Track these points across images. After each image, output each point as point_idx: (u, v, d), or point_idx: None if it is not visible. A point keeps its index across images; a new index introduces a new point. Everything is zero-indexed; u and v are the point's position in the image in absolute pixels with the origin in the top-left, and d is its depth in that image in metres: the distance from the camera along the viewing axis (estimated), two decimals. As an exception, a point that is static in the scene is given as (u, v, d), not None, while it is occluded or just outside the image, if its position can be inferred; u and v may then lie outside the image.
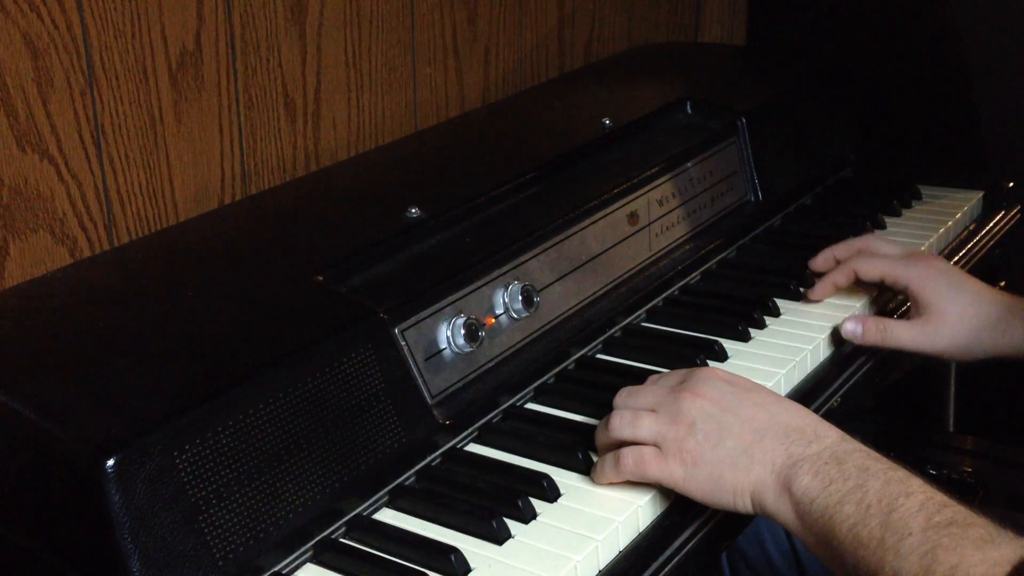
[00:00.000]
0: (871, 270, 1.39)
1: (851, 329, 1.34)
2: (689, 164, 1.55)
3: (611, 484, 1.06)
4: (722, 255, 1.55)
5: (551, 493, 1.05)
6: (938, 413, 2.13)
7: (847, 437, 0.99)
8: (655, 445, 1.03)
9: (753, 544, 1.49)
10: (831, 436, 0.99)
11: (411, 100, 1.74)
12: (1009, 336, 1.32)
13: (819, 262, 1.45)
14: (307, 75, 1.57)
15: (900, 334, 1.33)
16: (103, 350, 1.03)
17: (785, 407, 1.03)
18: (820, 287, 1.42)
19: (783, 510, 0.97)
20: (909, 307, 1.41)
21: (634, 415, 1.05)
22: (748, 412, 1.02)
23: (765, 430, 1.00)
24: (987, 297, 1.34)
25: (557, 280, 1.30)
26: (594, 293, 1.35)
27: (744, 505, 1.00)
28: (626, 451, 1.04)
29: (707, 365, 1.27)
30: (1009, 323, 1.32)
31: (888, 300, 1.46)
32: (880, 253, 1.41)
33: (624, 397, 1.09)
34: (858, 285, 1.42)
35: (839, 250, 1.44)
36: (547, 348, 1.26)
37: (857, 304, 1.42)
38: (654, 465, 1.02)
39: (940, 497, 0.90)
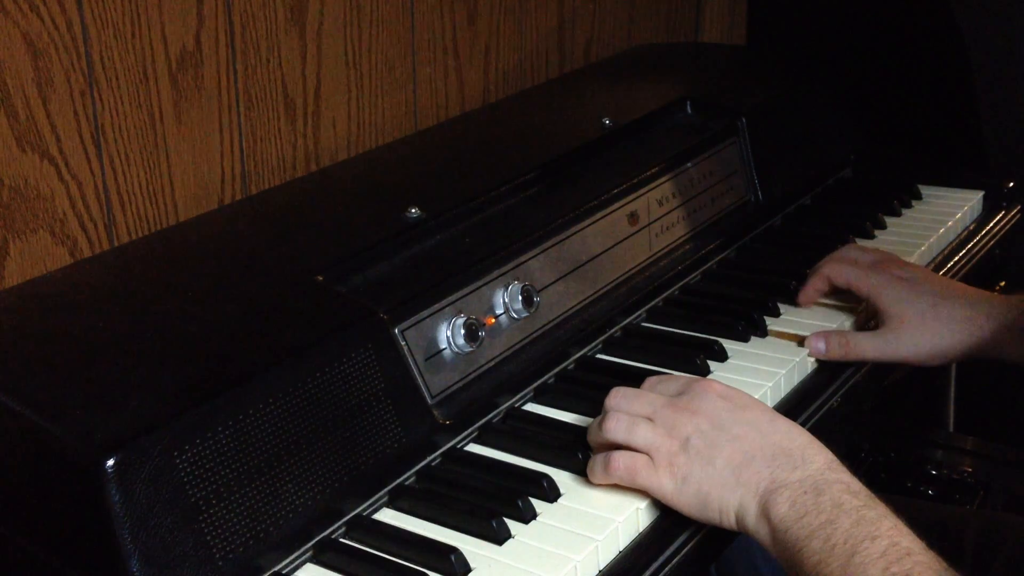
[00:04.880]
0: (839, 276, 1.38)
1: (815, 345, 1.31)
2: (689, 164, 1.55)
3: (605, 485, 1.06)
4: (722, 255, 1.55)
5: (551, 493, 1.05)
6: (938, 413, 2.13)
7: (834, 465, 0.99)
8: (647, 454, 1.03)
9: (742, 559, 1.48)
10: (816, 462, 0.99)
11: (411, 100, 1.74)
12: (977, 337, 1.28)
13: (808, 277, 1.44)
14: (307, 75, 1.57)
15: (863, 345, 1.31)
16: (103, 350, 1.03)
17: (777, 427, 1.03)
18: (803, 294, 1.41)
19: (762, 533, 0.97)
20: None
21: (631, 421, 1.05)
22: (740, 431, 1.02)
23: (754, 452, 1.00)
24: (950, 298, 1.30)
25: (557, 280, 1.30)
26: (594, 293, 1.35)
27: (729, 523, 1.00)
28: (617, 455, 1.04)
29: (707, 365, 1.27)
30: (975, 323, 1.28)
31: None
32: (849, 259, 1.39)
33: (619, 399, 1.08)
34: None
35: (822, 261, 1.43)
36: (547, 348, 1.26)
37: (858, 306, 1.41)
38: (644, 474, 1.03)
39: (906, 544, 0.90)
